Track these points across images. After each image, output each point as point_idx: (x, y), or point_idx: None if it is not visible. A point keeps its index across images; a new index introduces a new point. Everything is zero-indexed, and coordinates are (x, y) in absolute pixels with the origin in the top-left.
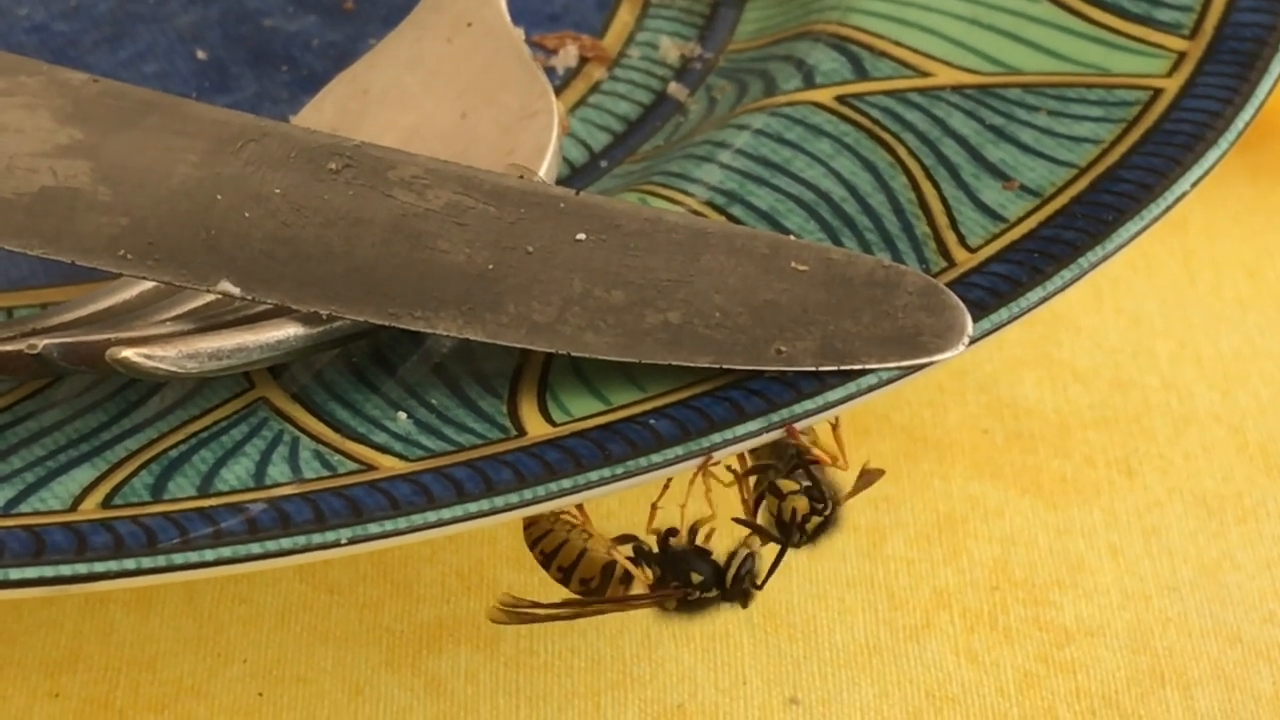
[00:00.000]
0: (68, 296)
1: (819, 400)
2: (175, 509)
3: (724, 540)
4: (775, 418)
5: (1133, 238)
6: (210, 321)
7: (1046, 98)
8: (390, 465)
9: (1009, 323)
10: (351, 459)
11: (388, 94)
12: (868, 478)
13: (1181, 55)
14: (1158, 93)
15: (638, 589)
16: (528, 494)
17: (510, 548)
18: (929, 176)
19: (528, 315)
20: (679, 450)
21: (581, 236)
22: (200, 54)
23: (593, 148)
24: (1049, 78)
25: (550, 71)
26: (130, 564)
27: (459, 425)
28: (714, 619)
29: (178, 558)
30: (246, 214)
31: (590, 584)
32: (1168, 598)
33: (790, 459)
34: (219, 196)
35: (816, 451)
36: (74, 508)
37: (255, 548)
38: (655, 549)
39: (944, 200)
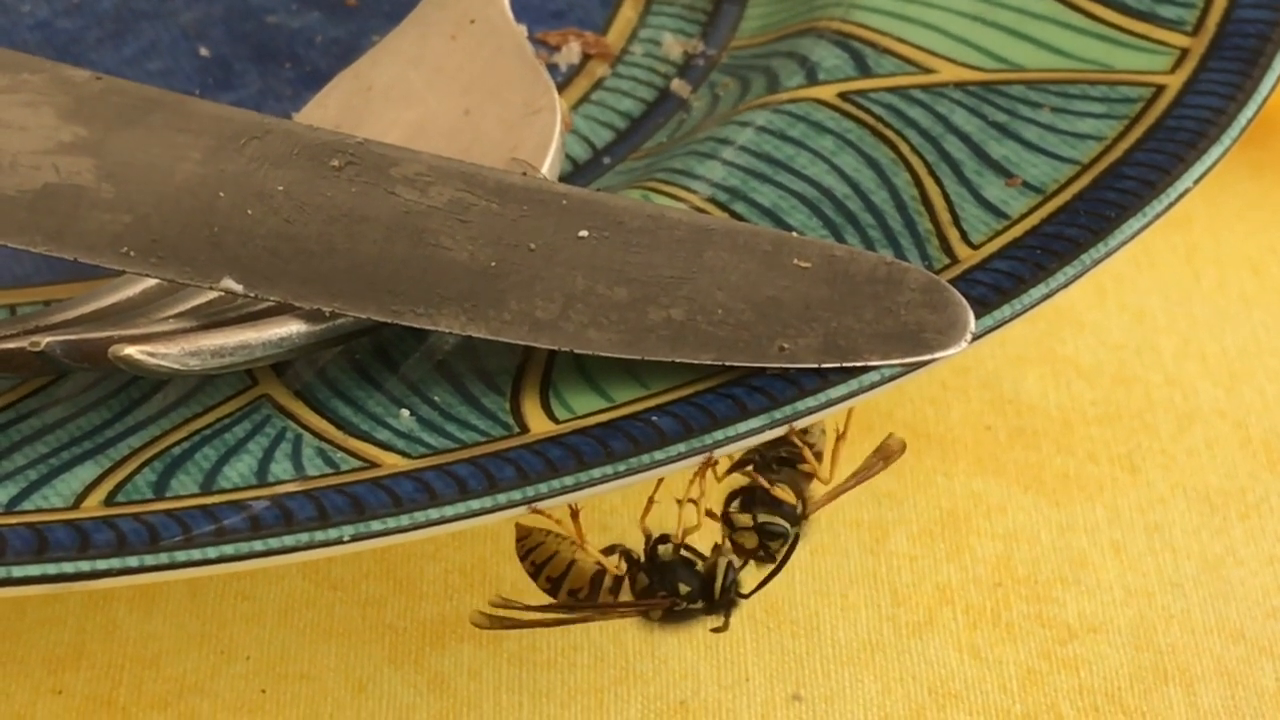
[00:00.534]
0: (71, 294)
1: (821, 397)
2: (178, 506)
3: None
4: (778, 414)
5: (1135, 234)
6: (213, 319)
7: (1049, 94)
8: (393, 462)
9: (1012, 319)
10: (354, 456)
11: (391, 91)
12: (885, 452)
13: (1184, 52)
14: (1160, 89)
15: (625, 598)
16: (530, 491)
17: (513, 545)
18: (932, 173)
19: (530, 312)
20: (681, 447)
21: (584, 233)
22: (203, 51)
23: (596, 144)
24: (1052, 74)
25: (553, 68)
26: (133, 561)
27: (462, 422)
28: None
29: (180, 555)
30: (249, 211)
31: (579, 594)
32: (1171, 594)
33: (773, 459)
34: (222, 194)
35: (808, 462)
36: (76, 505)
37: (258, 545)
38: (643, 557)
39: (947, 197)
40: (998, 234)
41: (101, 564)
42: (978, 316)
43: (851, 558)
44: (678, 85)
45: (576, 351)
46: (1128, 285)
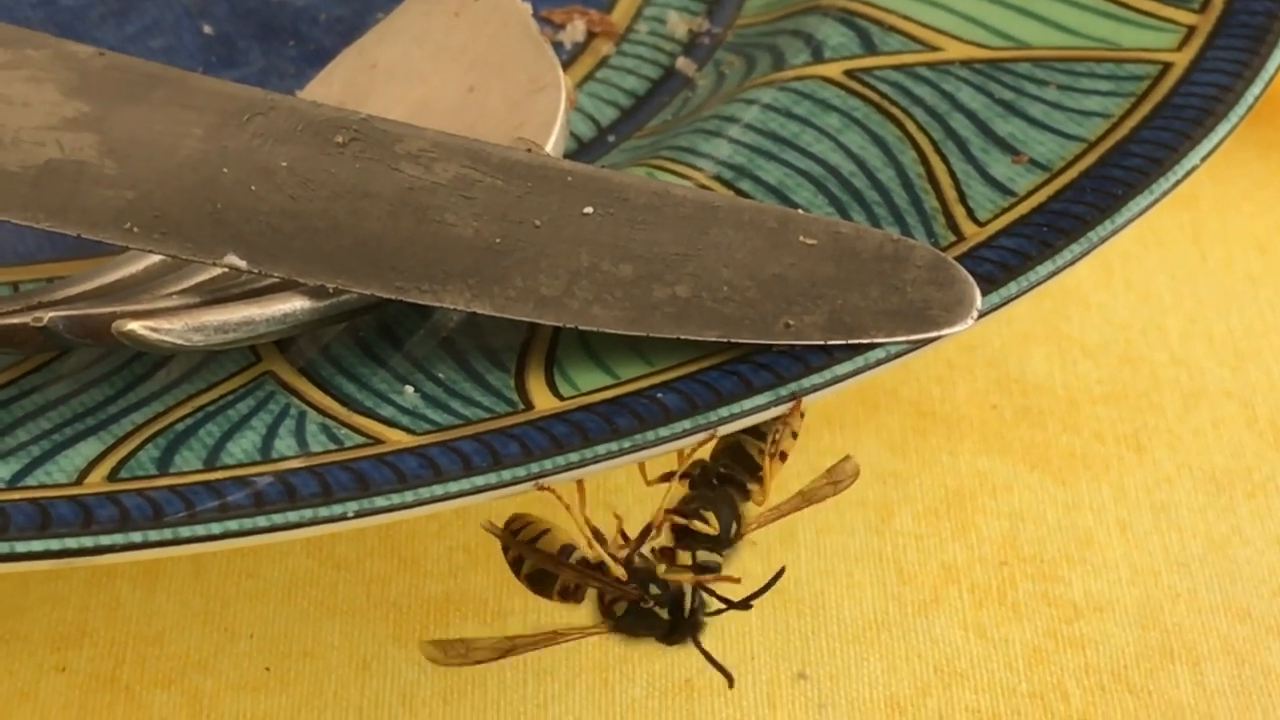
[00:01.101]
0: (73, 271)
1: (827, 374)
2: (181, 482)
3: None
4: (783, 391)
5: (1142, 212)
6: (216, 295)
7: (1056, 72)
8: (397, 439)
9: (1018, 297)
10: (358, 432)
11: (395, 68)
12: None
13: (1191, 29)
14: (1167, 67)
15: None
16: (534, 467)
17: None
18: (938, 151)
19: (535, 289)
20: (686, 424)
21: (589, 210)
22: (207, 29)
23: (600, 123)
24: (1058, 52)
25: (558, 46)
26: (136, 537)
27: (466, 399)
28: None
29: (184, 531)
30: (253, 187)
31: (547, 573)
32: (1177, 573)
33: (714, 473)
34: (225, 170)
35: (753, 478)
36: (80, 481)
37: (261, 521)
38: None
39: (953, 174)
40: (1004, 211)
41: (105, 539)
42: (984, 294)
43: (857, 536)
44: (683, 63)
45: (581, 328)
46: (1134, 264)
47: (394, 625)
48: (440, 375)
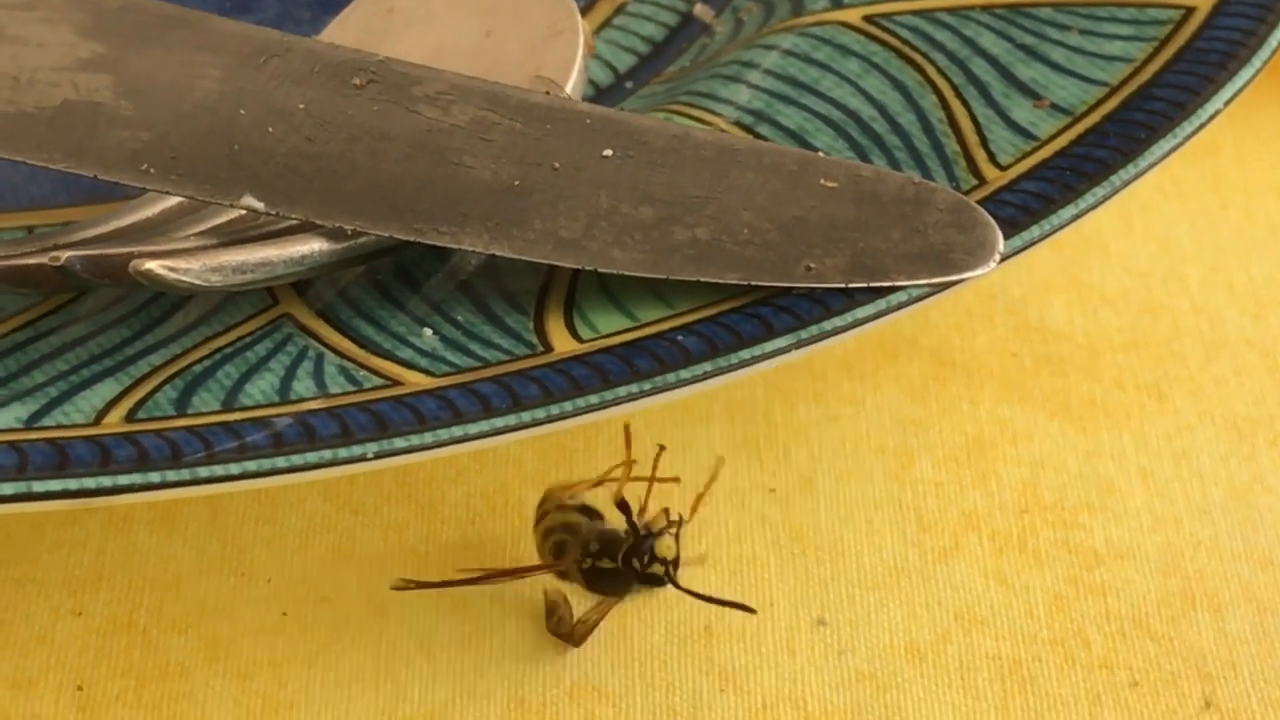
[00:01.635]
0: (88, 216)
1: (848, 317)
2: (200, 423)
3: None
4: (804, 334)
5: (1165, 155)
6: (234, 237)
7: (1078, 16)
8: (416, 381)
9: (1040, 240)
10: (377, 374)
11: (412, 12)
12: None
13: None
14: (1190, 11)
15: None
16: (554, 409)
17: (534, 470)
18: (959, 95)
19: (554, 231)
20: (707, 366)
21: (608, 152)
22: None
23: (618, 69)
24: None
25: None
26: (155, 477)
27: (485, 341)
28: (741, 541)
29: (202, 471)
30: (270, 129)
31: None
32: (1199, 521)
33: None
34: (242, 111)
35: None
36: (97, 422)
37: (280, 461)
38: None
39: (974, 119)
40: (1026, 155)
41: (123, 479)
42: (1006, 237)
43: (876, 484)
44: (700, 9)
45: (601, 271)
46: (1154, 213)
47: (412, 571)
48: (459, 318)
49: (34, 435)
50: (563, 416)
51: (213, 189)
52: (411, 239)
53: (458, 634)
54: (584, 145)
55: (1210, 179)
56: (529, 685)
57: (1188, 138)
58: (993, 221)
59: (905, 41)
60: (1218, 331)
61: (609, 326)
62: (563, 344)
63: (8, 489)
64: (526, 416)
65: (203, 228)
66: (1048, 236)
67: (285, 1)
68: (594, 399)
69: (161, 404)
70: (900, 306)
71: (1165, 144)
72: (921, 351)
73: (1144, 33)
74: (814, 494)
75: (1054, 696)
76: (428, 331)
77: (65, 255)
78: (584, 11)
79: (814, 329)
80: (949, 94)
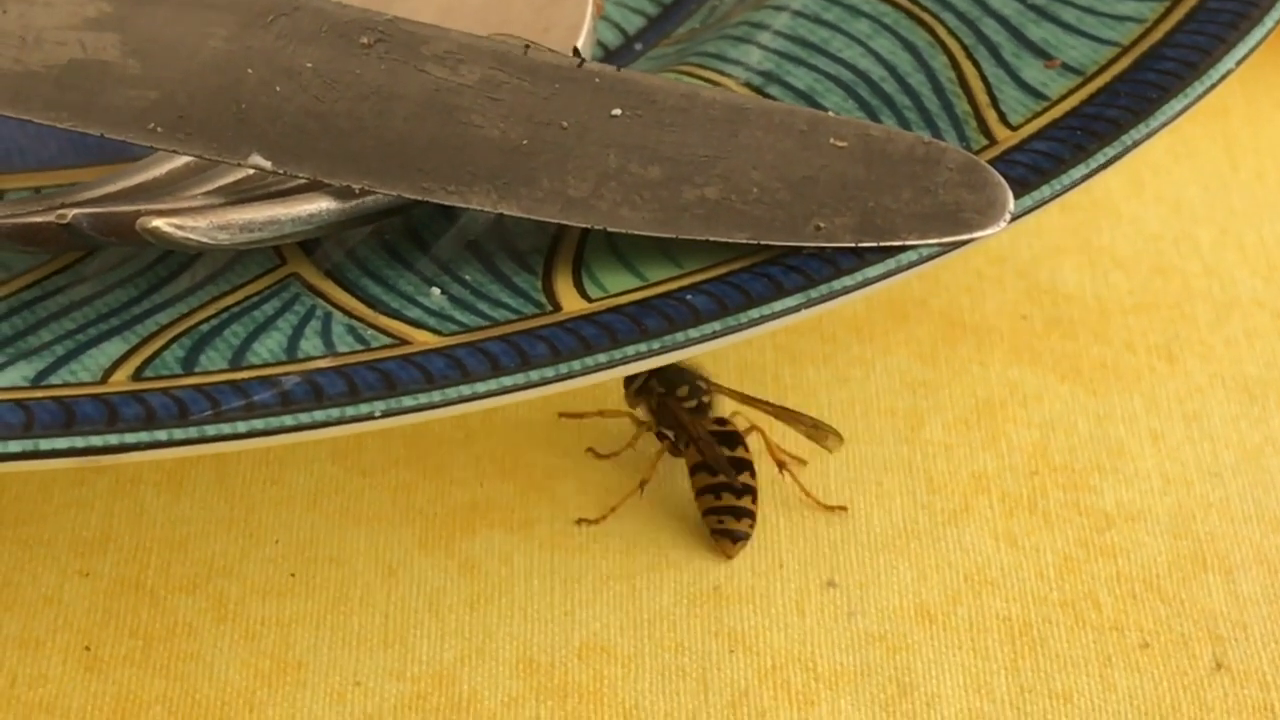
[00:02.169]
0: (96, 176)
1: (858, 276)
2: (207, 382)
3: None
4: (814, 294)
5: (1176, 115)
6: (242, 196)
7: None
8: (424, 340)
9: (1051, 200)
10: (385, 334)
11: None
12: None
13: None
14: None
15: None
16: (563, 368)
17: (544, 431)
18: (969, 56)
19: (563, 190)
20: (716, 325)
21: (617, 112)
22: None
23: (627, 31)
24: None
25: None
26: (162, 435)
27: (493, 301)
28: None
29: (210, 429)
30: (278, 88)
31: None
32: (1209, 483)
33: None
34: (249, 70)
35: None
36: (104, 380)
37: (288, 420)
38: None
39: (984, 79)
40: (1037, 115)
41: (130, 438)
42: (1016, 197)
43: (886, 446)
44: None
45: (609, 230)
46: (1165, 175)
47: (420, 532)
48: (467, 277)
49: (40, 393)
50: (571, 376)
51: (220, 148)
52: (419, 198)
53: (466, 594)
54: (592, 104)
55: (1221, 141)
56: (537, 645)
57: (1199, 97)
58: (1003, 181)
59: (915, 2)
60: (1229, 293)
61: (618, 286)
62: (571, 303)
63: (14, 447)
64: (535, 375)
65: (210, 187)
66: (1058, 196)
67: None
68: (602, 358)
69: (169, 362)
70: (910, 266)
71: (1176, 104)
72: (931, 314)
73: None
74: (823, 455)
75: (1064, 658)
76: (436, 291)
77: (72, 213)
78: None
79: (824, 288)
80: (959, 54)
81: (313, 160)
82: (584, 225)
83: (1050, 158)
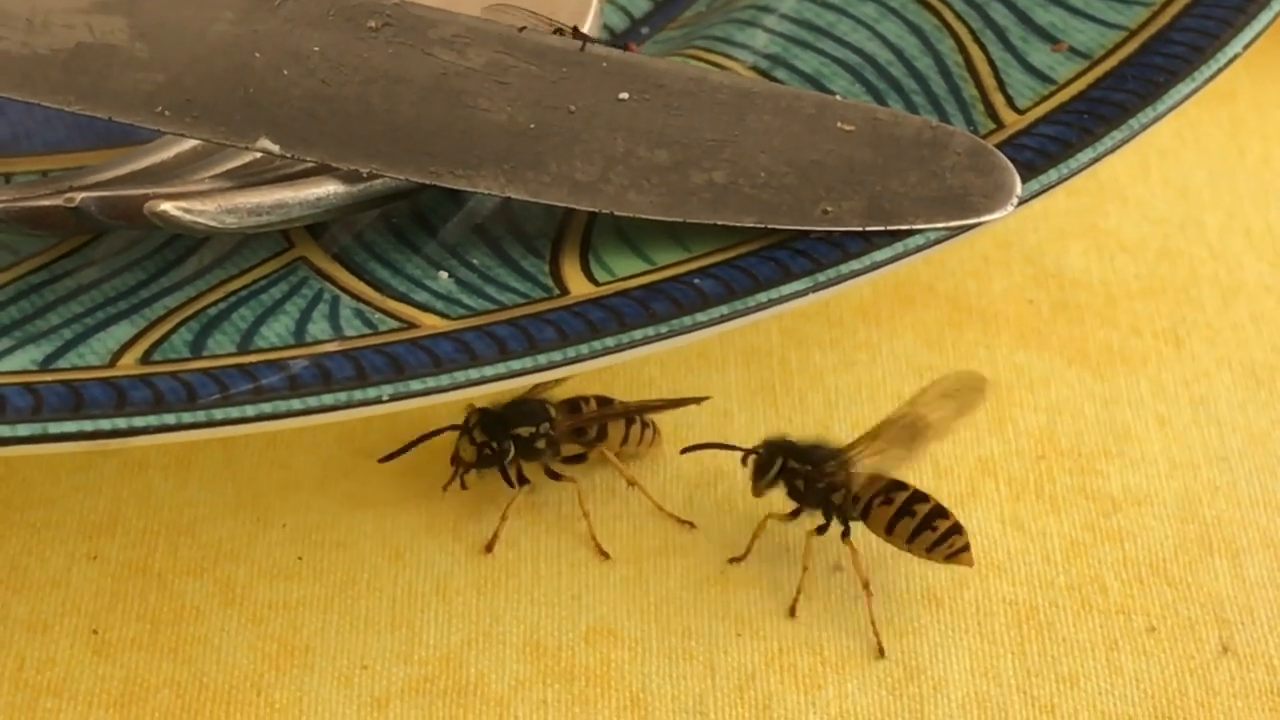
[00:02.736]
0: (103, 160)
1: (866, 260)
2: (215, 365)
3: None
4: (821, 278)
5: (1184, 99)
6: (249, 180)
7: None
8: (432, 323)
9: (1058, 184)
10: (392, 317)
11: None
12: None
13: None
14: None
15: None
16: (571, 352)
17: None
18: (976, 39)
19: (570, 174)
20: (724, 309)
21: (624, 96)
22: None
23: (633, 14)
24: None
25: None
26: (170, 419)
27: (501, 285)
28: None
29: (218, 413)
30: (285, 72)
31: None
32: (1216, 467)
33: None
34: (257, 54)
35: None
36: (113, 364)
37: (296, 403)
38: None
39: (991, 63)
40: (1044, 99)
41: (139, 421)
42: (1024, 180)
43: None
44: None
45: (617, 214)
46: (1172, 160)
47: (427, 516)
48: (475, 261)
49: (49, 377)
50: (579, 359)
51: (228, 131)
52: (427, 182)
53: (473, 578)
54: (600, 88)
55: (1228, 125)
56: (545, 629)
57: (1206, 82)
58: (1010, 165)
59: None
60: (1235, 278)
61: (625, 270)
62: (579, 287)
63: (23, 430)
64: (543, 359)
65: (218, 170)
66: (1065, 180)
67: None
68: (610, 342)
69: (177, 346)
70: (918, 250)
71: (1183, 88)
72: (938, 298)
73: None
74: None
75: (1071, 642)
76: (443, 274)
77: (80, 196)
78: None
79: (831, 272)
80: (966, 38)
81: (320, 144)
82: (591, 209)
83: (1057, 142)
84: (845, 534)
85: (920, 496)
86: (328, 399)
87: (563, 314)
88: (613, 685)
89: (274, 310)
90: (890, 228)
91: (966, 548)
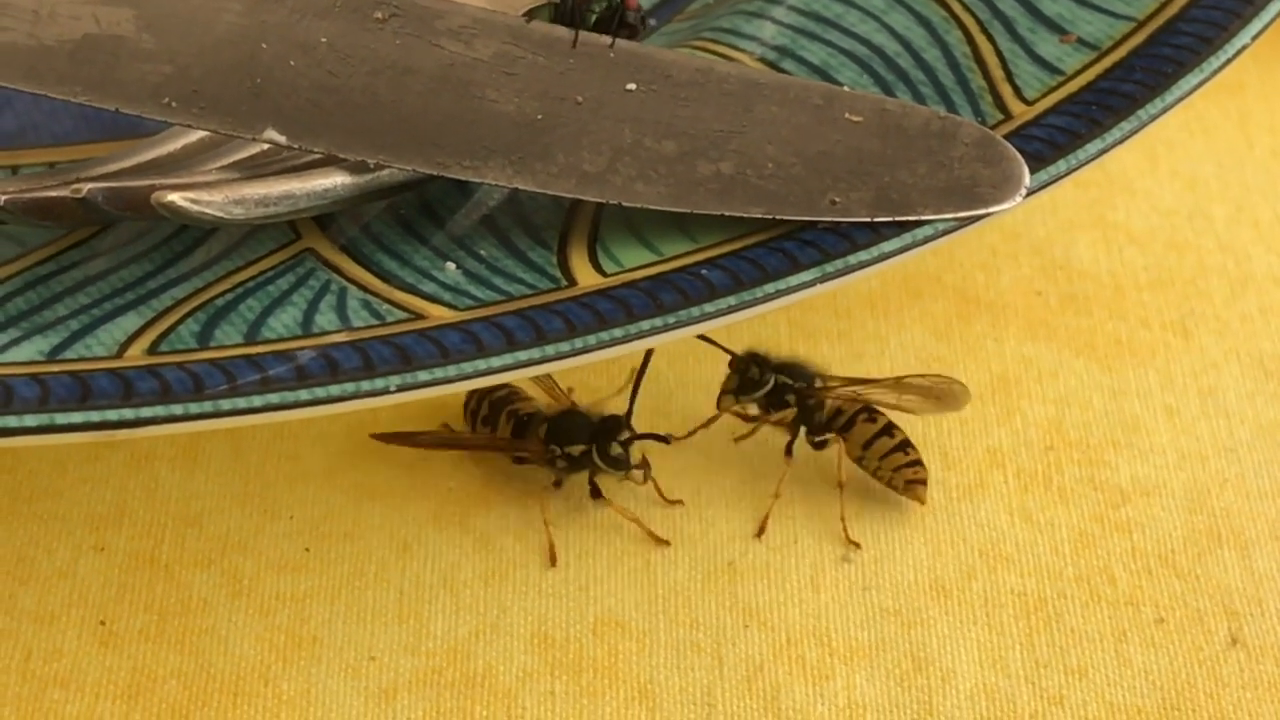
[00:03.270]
0: (110, 152)
1: (874, 251)
2: (222, 356)
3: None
4: (829, 268)
5: (1192, 90)
6: (256, 171)
7: None
8: (439, 314)
9: (1066, 175)
10: (400, 308)
11: None
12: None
13: None
14: None
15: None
16: (579, 343)
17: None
18: (984, 30)
19: (578, 165)
20: (731, 300)
21: (632, 87)
22: None
23: (640, 5)
24: None
25: None
26: (177, 409)
27: (508, 275)
28: (765, 478)
29: (225, 403)
30: (292, 63)
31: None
32: (1225, 458)
33: None
34: (264, 45)
35: None
36: (120, 354)
37: (303, 394)
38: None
39: (999, 54)
40: (1052, 90)
41: (146, 411)
42: (1032, 172)
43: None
44: None
45: (625, 205)
46: (1180, 152)
47: (435, 507)
48: (482, 252)
49: (56, 368)
50: (586, 350)
51: (235, 123)
52: (434, 173)
53: (481, 569)
54: (607, 79)
55: (1236, 117)
56: (552, 621)
57: (1214, 73)
58: (1018, 156)
59: None
60: (1243, 269)
61: (632, 260)
62: (586, 278)
63: (30, 421)
64: (550, 350)
65: (225, 162)
66: (1074, 171)
67: None
68: (618, 332)
69: (184, 337)
70: (925, 241)
71: (1192, 79)
72: (946, 290)
73: None
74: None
75: (1079, 633)
76: (451, 265)
77: (87, 188)
78: None
79: (839, 263)
80: (974, 29)
81: (328, 135)
82: (599, 200)
83: (1065, 133)
84: (819, 446)
85: (895, 425)
86: (335, 390)
87: (570, 305)
88: (620, 677)
89: (281, 301)
90: (898, 219)
91: (924, 482)
